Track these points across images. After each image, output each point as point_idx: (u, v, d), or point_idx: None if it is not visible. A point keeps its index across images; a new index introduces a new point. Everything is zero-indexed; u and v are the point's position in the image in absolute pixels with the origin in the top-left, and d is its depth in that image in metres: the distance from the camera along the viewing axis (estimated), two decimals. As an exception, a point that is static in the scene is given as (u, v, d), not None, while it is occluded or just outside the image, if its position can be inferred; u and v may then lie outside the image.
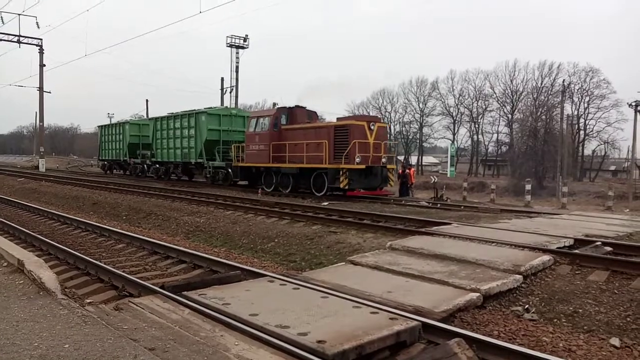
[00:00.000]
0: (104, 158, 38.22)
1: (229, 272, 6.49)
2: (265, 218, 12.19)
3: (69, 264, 7.56)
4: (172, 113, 27.59)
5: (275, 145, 19.69)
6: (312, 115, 21.27)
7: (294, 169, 18.81)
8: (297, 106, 20.87)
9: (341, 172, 16.94)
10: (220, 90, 45.73)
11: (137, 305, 4.84)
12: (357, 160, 16.92)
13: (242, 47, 46.23)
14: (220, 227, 11.64)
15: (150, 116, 41.85)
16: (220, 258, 8.14)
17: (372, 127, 17.59)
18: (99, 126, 40.77)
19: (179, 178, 29.18)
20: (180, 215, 13.56)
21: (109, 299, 5.79)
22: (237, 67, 45.71)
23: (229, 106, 37.65)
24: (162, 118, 28.62)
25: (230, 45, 45.73)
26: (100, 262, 7.38)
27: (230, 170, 22.88)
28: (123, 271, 6.86)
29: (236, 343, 3.82)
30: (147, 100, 57.00)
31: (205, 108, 25.22)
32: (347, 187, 17.04)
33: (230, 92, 45.38)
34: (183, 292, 5.18)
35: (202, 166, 24.91)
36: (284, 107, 20.88)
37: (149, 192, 18.86)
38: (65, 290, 5.88)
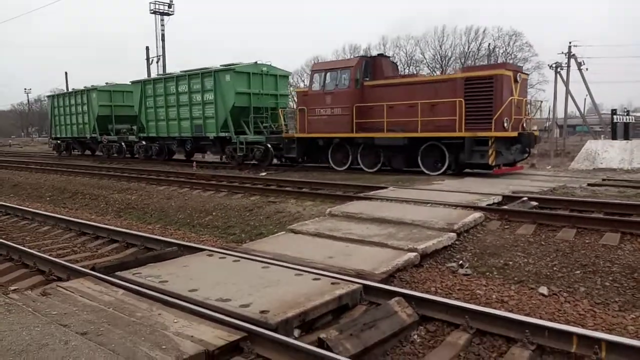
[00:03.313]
0: (58, 136, 31.21)
1: (165, 249, 6.27)
2: (201, 191, 11.88)
3: (-12, 251, 7.01)
4: (170, 73, 21.65)
5: (359, 109, 14.83)
6: (395, 68, 16.83)
7: (399, 140, 13.98)
8: (380, 55, 16.29)
9: (490, 143, 12.54)
10: (145, 61, 43.58)
11: (66, 290, 4.56)
12: (506, 124, 12.65)
13: (168, 14, 44.10)
14: (154, 203, 11.22)
15: (70, 89, 37.90)
16: (155, 235, 7.86)
17: (518, 79, 13.22)
18: (48, 96, 34.30)
19: (189, 156, 22.88)
20: (110, 193, 12.93)
21: (35, 284, 5.45)
22: (162, 35, 43.64)
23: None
24: (156, 80, 22.48)
25: (154, 12, 43.47)
26: (23, 246, 6.90)
27: (269, 145, 17.95)
28: (49, 254, 6.47)
29: (175, 320, 3.69)
30: (66, 73, 53.48)
31: (227, 64, 19.36)
32: (494, 163, 12.77)
33: (157, 62, 43.37)
34: (116, 273, 4.94)
35: (227, 141, 19.33)
36: (365, 57, 15.97)
37: (73, 171, 17.84)
38: (-15, 279, 5.45)
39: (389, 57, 16.53)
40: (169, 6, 44.14)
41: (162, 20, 43.87)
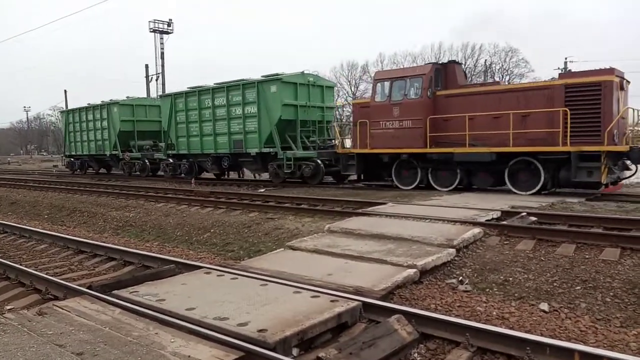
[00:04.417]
0: (73, 153, 29.45)
1: (163, 267, 6.23)
2: (200, 208, 11.85)
3: (-16, 270, 6.96)
4: (201, 86, 20.18)
5: (433, 121, 13.41)
6: (465, 75, 15.43)
7: (485, 156, 12.33)
8: (452, 62, 14.95)
9: (602, 158, 10.94)
10: (145, 78, 43.87)
11: (62, 309, 4.51)
12: (616, 138, 11.29)
13: (167, 32, 44.53)
14: (152, 221, 11.18)
15: (70, 107, 37.72)
16: (153, 252, 7.82)
17: (624, 87, 11.89)
18: (62, 112, 33.16)
19: (221, 174, 21.56)
20: (108, 210, 12.89)
21: (31, 303, 5.41)
22: (162, 54, 44.01)
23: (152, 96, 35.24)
24: (189, 93, 20.57)
25: (154, 31, 43.91)
26: (20, 265, 6.85)
27: (320, 161, 16.65)
28: (46, 273, 6.42)
29: (172, 340, 3.65)
30: (65, 91, 53.71)
31: (272, 75, 17.85)
32: (605, 182, 11.22)
33: (157, 80, 43.65)
34: (113, 292, 4.89)
35: (270, 157, 17.94)
36: (436, 64, 14.44)
37: (72, 188, 17.81)
38: (-19, 298, 5.40)
39: (460, 63, 15.05)
40: (169, 24, 44.59)
41: (161, 38, 44.29)
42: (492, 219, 8.43)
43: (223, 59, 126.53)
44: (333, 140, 18.60)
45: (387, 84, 14.43)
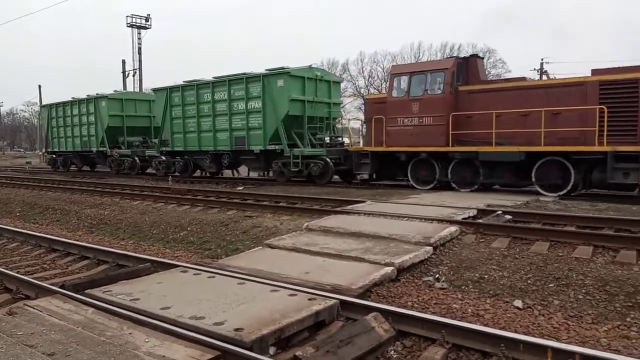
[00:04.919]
0: (56, 150, 27.99)
1: (138, 266, 6.12)
2: (176, 206, 11.71)
3: (-49, 269, 6.75)
4: (200, 80, 19.17)
5: (455, 118, 12.90)
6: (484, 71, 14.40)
7: (514, 155, 11.83)
8: (474, 55, 14.11)
9: None
10: (122, 74, 43.19)
11: (33, 308, 4.40)
12: None
13: (145, 27, 43.88)
14: (127, 219, 11.00)
15: (45, 102, 36.44)
16: (128, 251, 7.69)
17: None
18: (43, 106, 31.12)
19: (217, 172, 20.65)
20: (82, 208, 12.64)
21: (1, 303, 5.25)
22: (139, 49, 43.36)
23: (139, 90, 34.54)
24: (186, 87, 19.43)
25: (131, 26, 43.22)
26: (-11, 264, 6.67)
27: (329, 159, 15.96)
28: (17, 272, 6.26)
29: (147, 340, 3.59)
30: (39, 86, 52.48)
31: (278, 68, 16.89)
32: None
33: (133, 76, 43.00)
34: (86, 291, 4.79)
35: (275, 155, 17.10)
36: (457, 57, 14.03)
37: (45, 185, 17.43)
38: (-53, 298, 5.24)
39: (482, 58, 14.07)
40: (146, 19, 43.96)
41: (139, 33, 43.64)
42: (469, 217, 8.53)
43: (198, 56, 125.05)
44: (340, 138, 18.27)
45: (405, 78, 13.70)
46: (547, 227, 7.41)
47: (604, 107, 10.84)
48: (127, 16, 43.05)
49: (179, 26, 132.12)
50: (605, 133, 10.75)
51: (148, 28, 44.15)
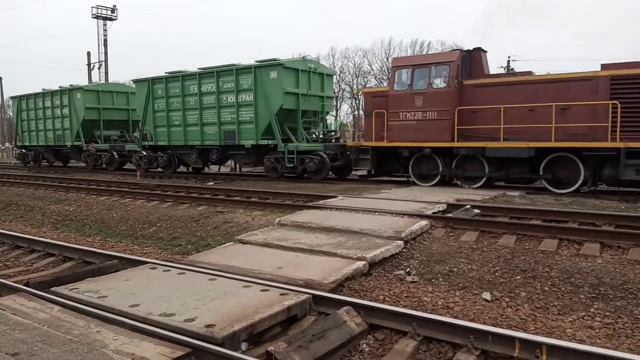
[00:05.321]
0: (26, 144, 26.66)
1: (105, 263, 6.00)
2: (145, 202, 11.49)
3: None
4: (184, 71, 18.07)
5: (461, 112, 12.51)
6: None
7: (522, 151, 11.49)
8: (478, 49, 13.46)
9: None
10: (87, 66, 42.04)
11: (-5, 308, 4.25)
12: None
13: (110, 19, 42.77)
14: (93, 215, 10.74)
15: (7, 96, 35.13)
16: (95, 248, 7.54)
17: None
18: (13, 97, 29.28)
19: (202, 168, 19.83)
20: (46, 204, 12.28)
21: (-39, 303, 5.05)
22: (105, 41, 42.25)
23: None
24: (169, 78, 18.34)
25: (97, 17, 42.05)
26: (-53, 262, 6.41)
27: (325, 155, 15.21)
28: (-23, 271, 6.04)
29: (115, 337, 3.51)
30: (0, 78, 50.52)
31: (270, 59, 16.15)
32: None
33: (99, 68, 41.92)
34: (52, 289, 4.67)
35: (266, 150, 16.42)
36: (463, 50, 13.46)
37: (7, 181, 16.86)
38: None
39: (486, 51, 13.60)
40: (112, 11, 42.84)
41: (104, 25, 42.51)
42: (439, 211, 8.66)
43: (166, 47, 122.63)
44: (334, 132, 17.94)
45: (407, 71, 13.21)
46: (514, 221, 7.57)
47: (617, 102, 10.67)
48: (92, 7, 41.91)
49: (148, 20, 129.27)
50: (618, 129, 10.59)
51: (114, 19, 43.08)
